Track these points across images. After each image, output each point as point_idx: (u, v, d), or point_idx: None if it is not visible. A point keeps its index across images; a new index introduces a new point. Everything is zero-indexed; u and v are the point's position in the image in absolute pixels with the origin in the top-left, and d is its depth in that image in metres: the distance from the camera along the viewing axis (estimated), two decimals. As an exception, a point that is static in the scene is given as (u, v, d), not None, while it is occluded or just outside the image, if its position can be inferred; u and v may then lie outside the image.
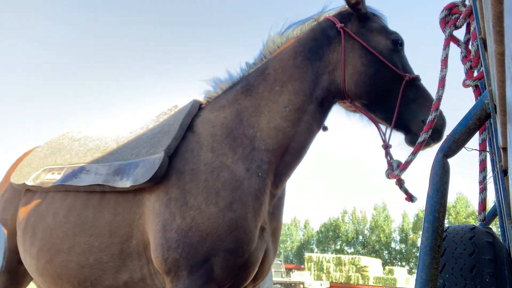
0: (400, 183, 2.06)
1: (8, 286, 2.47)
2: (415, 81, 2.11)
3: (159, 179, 1.93)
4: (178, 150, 2.01)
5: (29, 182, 2.35)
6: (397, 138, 2.15)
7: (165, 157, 1.94)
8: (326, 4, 2.32)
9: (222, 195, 1.88)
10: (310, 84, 2.11)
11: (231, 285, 1.97)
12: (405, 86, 2.06)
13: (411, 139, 2.06)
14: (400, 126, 2.08)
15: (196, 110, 2.19)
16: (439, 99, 1.87)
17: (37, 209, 2.29)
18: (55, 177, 2.28)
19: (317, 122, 2.15)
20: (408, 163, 1.96)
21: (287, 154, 2.08)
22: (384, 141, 2.11)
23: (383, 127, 2.17)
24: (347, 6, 2.23)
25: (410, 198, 2.08)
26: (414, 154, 1.94)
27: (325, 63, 2.15)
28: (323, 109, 2.17)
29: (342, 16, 2.24)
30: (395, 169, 2.01)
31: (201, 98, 2.32)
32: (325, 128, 2.23)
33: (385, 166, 2.09)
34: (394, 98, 2.06)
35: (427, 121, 1.87)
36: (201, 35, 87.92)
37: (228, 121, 2.08)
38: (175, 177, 1.94)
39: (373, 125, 2.20)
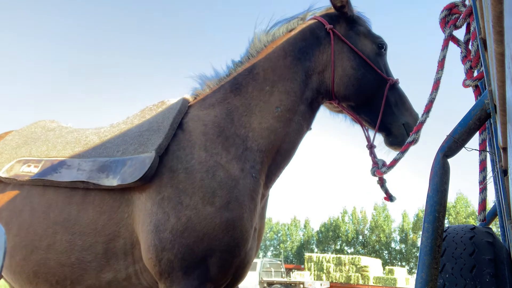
0: (382, 182, 2.17)
1: None
2: (395, 85, 2.21)
3: (148, 179, 1.87)
4: (168, 148, 1.97)
5: (3, 174, 2.20)
6: (379, 139, 2.25)
7: (156, 157, 1.89)
8: (312, 3, 2.35)
9: (218, 194, 1.84)
10: (301, 84, 2.14)
11: (227, 284, 1.99)
12: (388, 89, 2.16)
13: (391, 140, 2.16)
14: (382, 128, 2.17)
15: (186, 108, 2.16)
16: (432, 101, 1.91)
17: (11, 202, 2.15)
18: (31, 170, 2.15)
19: (307, 122, 2.19)
20: (396, 160, 2.04)
21: (278, 155, 2.10)
22: (368, 141, 2.20)
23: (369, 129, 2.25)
24: (331, 8, 2.28)
25: (390, 197, 2.19)
26: (402, 153, 2.02)
27: (315, 63, 2.18)
28: (312, 110, 2.21)
29: (330, 17, 2.27)
30: (381, 167, 2.09)
31: (188, 95, 2.28)
32: (309, 128, 2.27)
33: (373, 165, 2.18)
34: (379, 101, 2.15)
35: (418, 122, 1.95)
36: (187, 30, 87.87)
37: (219, 120, 2.05)
38: (168, 176, 1.89)
39: (357, 125, 2.30)
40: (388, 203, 2.31)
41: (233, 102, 2.11)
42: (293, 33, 2.23)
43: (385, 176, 2.17)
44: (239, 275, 1.99)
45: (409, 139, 1.97)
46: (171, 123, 2.02)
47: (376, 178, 2.19)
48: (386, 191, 2.20)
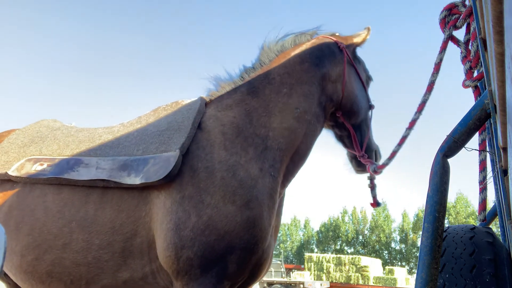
0: (373, 187, 2.44)
1: None
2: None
3: (173, 177, 1.89)
4: (188, 147, 1.99)
5: (13, 173, 2.15)
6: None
7: (180, 156, 1.91)
8: (319, 24, 2.59)
9: (239, 193, 1.87)
10: (318, 88, 2.29)
11: (243, 282, 2.01)
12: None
13: (359, 165, 2.50)
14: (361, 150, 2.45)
15: (204, 108, 2.20)
16: (424, 102, 2.01)
17: (21, 201, 2.11)
18: (45, 168, 2.12)
19: (320, 125, 2.33)
20: (394, 152, 2.24)
21: (296, 155, 2.18)
22: (359, 151, 2.44)
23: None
24: (337, 34, 2.59)
25: (376, 203, 2.46)
26: (399, 145, 2.21)
27: (329, 72, 2.36)
28: (325, 114, 2.36)
29: (340, 42, 2.52)
30: (377, 166, 2.32)
31: (203, 95, 2.34)
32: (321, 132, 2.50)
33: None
34: (364, 124, 2.49)
35: (411, 119, 2.09)
36: (198, 34, 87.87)
37: (237, 120, 2.10)
38: (188, 175, 1.91)
39: (339, 143, 2.58)
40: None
41: (251, 104, 2.18)
42: (306, 44, 2.40)
43: (375, 182, 2.46)
44: (255, 272, 2.01)
45: (404, 134, 2.16)
46: (192, 122, 2.06)
47: (368, 182, 2.46)
48: (375, 197, 2.44)
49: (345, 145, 2.53)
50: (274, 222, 2.16)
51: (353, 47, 2.57)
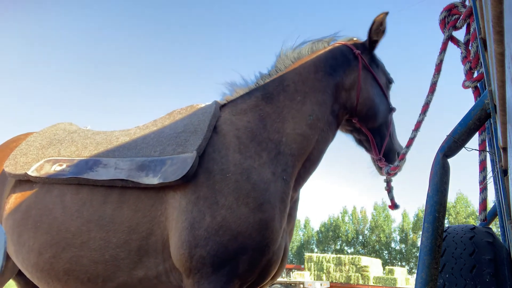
0: (389, 189, 2.42)
1: None
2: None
3: (190, 178, 1.95)
4: (203, 149, 2.06)
5: (32, 173, 2.22)
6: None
7: (197, 157, 1.97)
8: (337, 30, 2.60)
9: (252, 196, 1.93)
10: (331, 97, 2.32)
11: (253, 282, 2.05)
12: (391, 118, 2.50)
13: (381, 168, 2.46)
14: (382, 153, 2.45)
15: (219, 112, 2.26)
16: (428, 103, 2.06)
17: (40, 201, 2.18)
18: (64, 169, 2.19)
19: (333, 132, 2.38)
20: (404, 154, 2.27)
21: (307, 160, 2.24)
22: (377, 154, 2.45)
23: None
24: (355, 38, 2.56)
25: (394, 205, 2.47)
26: (407, 147, 2.24)
27: (343, 81, 2.38)
28: (338, 122, 2.41)
29: (356, 46, 2.50)
30: (398, 162, 2.32)
31: (218, 99, 2.41)
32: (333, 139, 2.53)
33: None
34: (384, 128, 2.48)
35: (417, 121, 2.14)
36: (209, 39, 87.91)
37: (252, 125, 2.16)
38: (204, 176, 1.97)
39: (360, 147, 2.59)
40: (388, 202, 2.54)
41: (266, 109, 2.23)
42: (321, 52, 2.42)
43: (392, 184, 2.44)
44: (265, 274, 2.05)
45: (410, 135, 2.19)
46: (208, 125, 2.12)
47: (385, 185, 2.45)
48: (392, 199, 2.44)
49: (366, 148, 2.56)
50: (288, 226, 2.25)
51: (371, 50, 2.53)
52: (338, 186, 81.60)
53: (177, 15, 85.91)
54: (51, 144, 2.42)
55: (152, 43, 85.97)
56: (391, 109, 2.53)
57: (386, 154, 2.46)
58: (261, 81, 2.39)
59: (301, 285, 20.00)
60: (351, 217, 53.13)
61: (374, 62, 2.54)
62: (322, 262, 26.58)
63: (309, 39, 2.51)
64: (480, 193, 1.91)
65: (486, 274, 1.69)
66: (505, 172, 1.61)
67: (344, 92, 2.37)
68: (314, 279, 25.19)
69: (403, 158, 2.27)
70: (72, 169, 2.17)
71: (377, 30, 2.46)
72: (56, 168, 2.21)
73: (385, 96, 2.51)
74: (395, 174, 2.37)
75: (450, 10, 1.97)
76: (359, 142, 2.58)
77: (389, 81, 2.62)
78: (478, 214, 1.94)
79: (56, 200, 2.15)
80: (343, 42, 2.51)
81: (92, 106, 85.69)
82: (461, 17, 1.90)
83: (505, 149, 1.36)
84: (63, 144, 2.40)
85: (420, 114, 2.09)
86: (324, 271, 26.15)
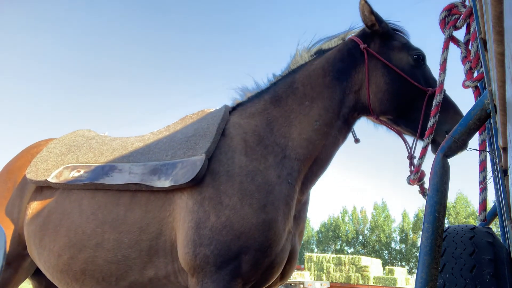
0: (423, 192, 2.14)
1: (8, 282, 2.42)
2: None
3: (199, 180, 2.00)
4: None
5: (52, 179, 2.34)
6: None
7: (206, 159, 2.03)
8: (352, 23, 2.46)
9: (256, 197, 1.97)
10: (338, 103, 2.26)
11: (256, 283, 2.06)
12: (428, 100, 2.12)
13: (435, 148, 2.14)
14: (423, 137, 2.13)
15: (228, 116, 2.32)
16: (437, 105, 1.99)
17: (59, 206, 2.30)
18: (82, 175, 2.30)
19: (342, 136, 2.33)
20: (418, 167, 2.09)
21: (314, 164, 2.24)
22: (409, 152, 2.19)
23: (409, 138, 2.28)
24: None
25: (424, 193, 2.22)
26: (421, 158, 2.08)
27: (351, 83, 2.29)
28: (348, 125, 2.33)
29: (365, 36, 2.34)
30: (412, 176, 2.11)
31: (229, 103, 2.45)
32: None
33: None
34: (419, 112, 2.14)
35: (428, 126, 2.00)
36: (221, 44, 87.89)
37: (259, 129, 2.21)
38: (210, 177, 2.03)
39: (397, 136, 2.31)
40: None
41: (273, 113, 2.26)
42: (331, 53, 2.37)
43: (425, 186, 2.14)
44: (267, 275, 2.06)
45: (423, 145, 2.06)
46: (217, 128, 2.18)
47: (418, 189, 2.19)
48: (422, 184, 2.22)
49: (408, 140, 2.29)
50: (298, 228, 2.28)
51: (379, 32, 2.29)
52: (338, 186, 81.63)
53: (202, 19, 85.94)
54: (70, 151, 2.55)
55: (175, 47, 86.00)
56: (421, 91, 2.15)
57: (434, 135, 2.07)
58: (273, 82, 2.41)
59: (301, 285, 20.00)
60: (351, 217, 53.11)
61: (388, 45, 2.28)
62: (322, 262, 26.57)
63: (324, 37, 2.47)
64: (480, 193, 1.91)
65: (486, 274, 1.69)
66: (505, 172, 1.61)
67: (353, 94, 2.28)
68: (314, 279, 25.19)
69: (418, 171, 2.09)
70: (89, 175, 2.28)
71: (364, 16, 2.26)
72: (75, 174, 2.33)
73: (406, 79, 2.16)
74: (420, 182, 2.13)
75: (450, 10, 1.98)
76: (398, 132, 2.31)
77: (415, 59, 2.21)
78: (478, 214, 1.93)
79: (74, 204, 2.27)
80: (354, 37, 2.37)
81: (113, 111, 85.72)
82: (461, 17, 1.90)
83: (505, 149, 1.36)
84: (81, 150, 2.52)
85: (430, 118, 2.00)
86: (324, 271, 26.15)
